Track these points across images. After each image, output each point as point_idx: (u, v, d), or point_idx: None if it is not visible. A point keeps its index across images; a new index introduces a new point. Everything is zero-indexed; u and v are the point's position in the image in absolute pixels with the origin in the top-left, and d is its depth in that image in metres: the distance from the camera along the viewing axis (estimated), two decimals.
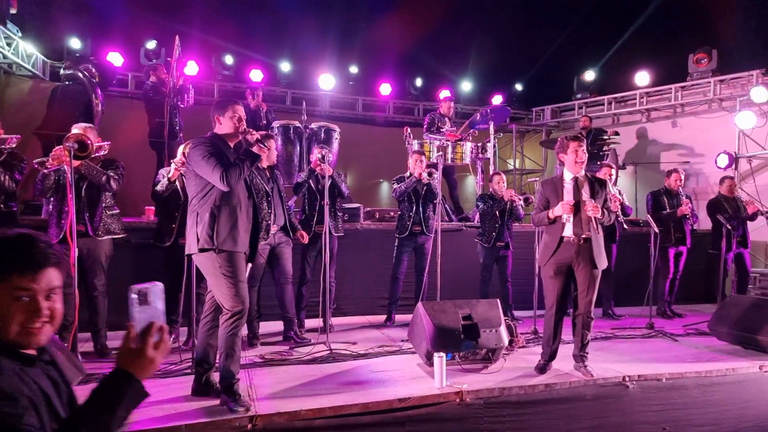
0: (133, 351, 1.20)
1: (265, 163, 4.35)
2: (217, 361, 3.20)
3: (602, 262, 3.82)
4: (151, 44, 8.42)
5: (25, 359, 1.20)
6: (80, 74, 6.49)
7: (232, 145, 3.19)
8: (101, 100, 6.56)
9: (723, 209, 6.13)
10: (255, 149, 3.10)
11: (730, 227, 5.92)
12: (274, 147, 4.59)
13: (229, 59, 9.09)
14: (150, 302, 1.23)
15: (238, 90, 9.08)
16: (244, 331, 3.75)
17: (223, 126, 3.16)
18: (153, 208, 5.30)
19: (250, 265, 3.31)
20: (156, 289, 1.25)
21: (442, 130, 7.05)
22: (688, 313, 6.33)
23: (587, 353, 3.89)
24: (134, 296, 1.26)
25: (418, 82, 10.48)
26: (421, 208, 5.36)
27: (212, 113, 3.20)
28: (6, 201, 4.07)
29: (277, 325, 4.79)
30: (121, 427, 1.18)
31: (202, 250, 3.03)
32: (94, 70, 6.72)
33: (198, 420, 2.85)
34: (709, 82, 8.53)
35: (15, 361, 1.17)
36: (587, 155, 3.88)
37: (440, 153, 5.99)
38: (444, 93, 8.30)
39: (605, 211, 3.80)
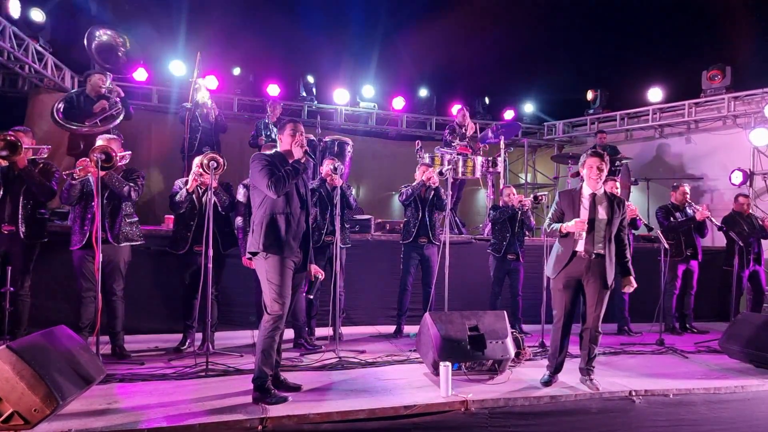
0: None
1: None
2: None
3: (610, 278, 3.81)
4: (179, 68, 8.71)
5: None
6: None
7: (290, 161, 3.40)
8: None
9: (738, 226, 6.11)
10: (302, 159, 3.35)
11: (742, 244, 5.90)
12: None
13: (246, 74, 9.33)
14: None
15: (255, 104, 9.33)
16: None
17: (283, 143, 3.46)
18: (172, 216, 5.47)
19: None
20: None
21: (453, 144, 7.15)
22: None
23: (594, 367, 3.91)
24: None
25: (431, 95, 10.58)
26: (426, 216, 5.41)
27: (277, 134, 3.53)
28: (37, 208, 4.24)
29: (288, 332, 4.88)
30: None
31: (252, 253, 3.35)
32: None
33: (210, 419, 2.95)
34: (723, 99, 8.53)
35: None
36: (604, 173, 3.81)
37: (450, 166, 6.07)
38: (456, 107, 8.47)
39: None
